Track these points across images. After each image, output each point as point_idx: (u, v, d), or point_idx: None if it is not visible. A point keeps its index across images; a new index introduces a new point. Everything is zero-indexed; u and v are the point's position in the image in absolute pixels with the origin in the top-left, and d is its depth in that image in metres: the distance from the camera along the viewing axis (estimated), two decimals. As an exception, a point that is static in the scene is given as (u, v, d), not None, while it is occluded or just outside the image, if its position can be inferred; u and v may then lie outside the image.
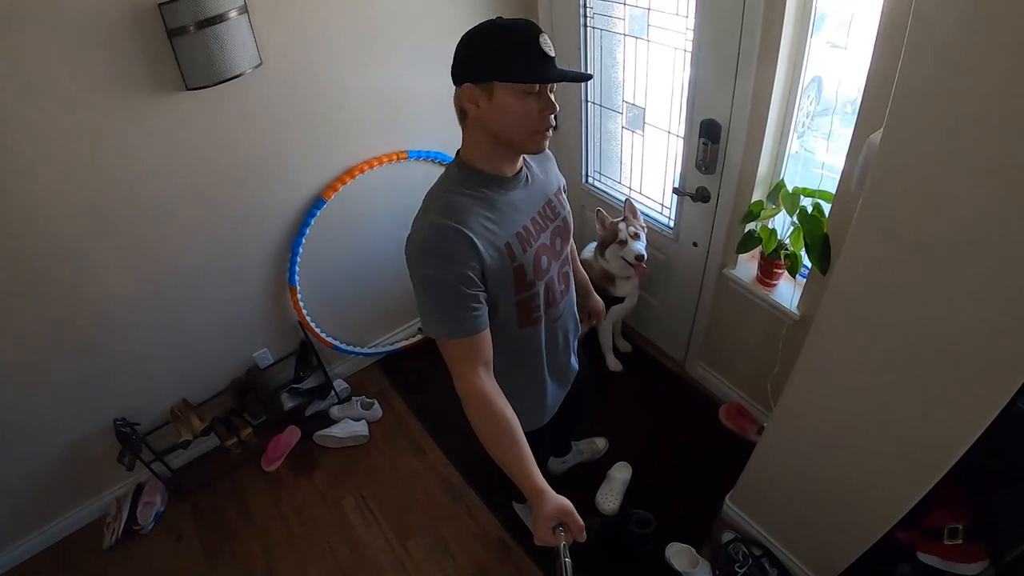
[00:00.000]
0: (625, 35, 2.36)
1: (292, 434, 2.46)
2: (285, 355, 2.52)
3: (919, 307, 1.25)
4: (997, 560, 1.53)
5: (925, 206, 1.14)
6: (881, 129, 1.18)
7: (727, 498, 2.18)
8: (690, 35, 2.13)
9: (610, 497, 2.27)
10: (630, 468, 2.34)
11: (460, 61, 1.16)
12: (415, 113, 2.47)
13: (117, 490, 2.42)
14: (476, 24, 1.15)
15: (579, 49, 2.52)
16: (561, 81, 1.16)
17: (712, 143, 2.20)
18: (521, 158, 1.30)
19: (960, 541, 1.59)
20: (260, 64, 1.93)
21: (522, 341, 1.38)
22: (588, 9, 2.43)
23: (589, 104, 2.68)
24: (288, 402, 2.49)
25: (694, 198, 2.30)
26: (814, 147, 2.33)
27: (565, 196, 1.45)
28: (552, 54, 1.14)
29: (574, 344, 1.64)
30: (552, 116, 1.17)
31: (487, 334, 1.20)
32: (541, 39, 1.12)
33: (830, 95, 2.06)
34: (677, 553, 2.11)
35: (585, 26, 2.47)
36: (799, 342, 2.20)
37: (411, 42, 2.34)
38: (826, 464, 1.73)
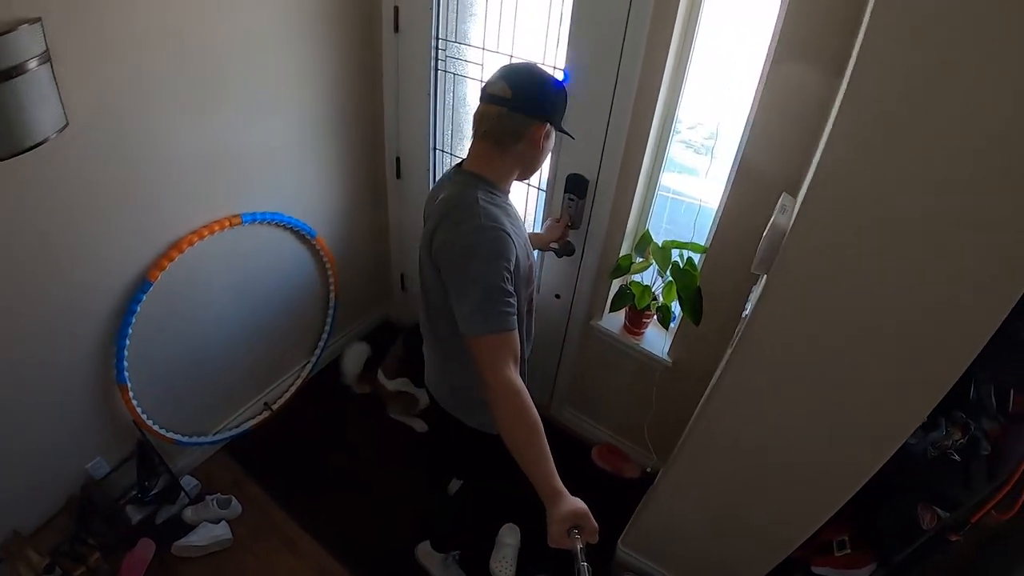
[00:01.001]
0: (482, 81, 2.20)
1: (146, 548, 2.15)
2: (122, 460, 2.18)
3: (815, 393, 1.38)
4: (885, 562, 1.73)
5: (835, 292, 1.22)
6: (782, 211, 1.36)
7: (619, 542, 2.22)
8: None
9: (505, 565, 2.23)
10: (518, 530, 2.31)
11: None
12: (247, 171, 2.17)
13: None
14: (540, 68, 1.38)
15: (428, 93, 2.33)
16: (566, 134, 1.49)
17: (578, 198, 2.13)
18: None
19: (849, 551, 1.81)
20: (66, 125, 1.56)
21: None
22: (440, 52, 2.23)
23: (437, 152, 2.51)
24: (135, 514, 2.16)
25: (558, 253, 2.23)
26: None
27: None
28: None
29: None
30: None
31: (517, 334, 1.27)
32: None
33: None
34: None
35: (436, 68, 2.27)
36: (674, 387, 2.28)
37: (242, 93, 2.03)
38: (729, 501, 1.79)
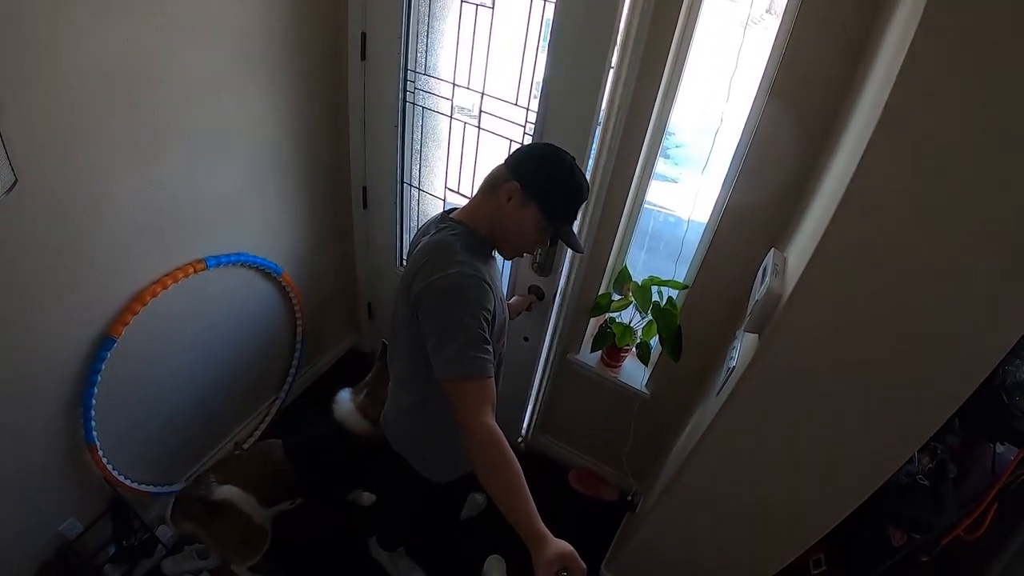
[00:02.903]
0: (452, 117, 2.12)
1: (125, 605, 2.12)
2: (96, 517, 2.11)
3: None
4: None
5: (830, 353, 1.25)
6: (774, 273, 1.37)
7: (603, 567, 2.27)
8: (530, 128, 1.96)
9: (492, 598, 2.27)
10: (503, 562, 2.34)
11: (530, 169, 1.33)
12: (208, 215, 2.07)
13: None
14: (561, 151, 1.36)
15: (396, 125, 2.24)
16: (571, 246, 1.44)
17: (551, 244, 2.08)
18: None
19: (824, 569, 1.90)
20: (15, 183, 1.45)
21: None
22: (409, 83, 2.13)
23: (405, 186, 2.43)
24: (114, 572, 2.11)
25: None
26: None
27: None
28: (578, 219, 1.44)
29: None
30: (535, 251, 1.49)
31: (493, 380, 1.26)
32: (583, 208, 1.42)
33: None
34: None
35: (404, 100, 2.18)
36: (653, 417, 2.31)
37: (197, 137, 1.92)
38: (711, 536, 1.85)
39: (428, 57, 2.10)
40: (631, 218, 2.10)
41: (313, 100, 2.25)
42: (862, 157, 1.01)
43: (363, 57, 2.17)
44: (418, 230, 1.54)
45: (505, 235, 1.39)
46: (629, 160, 1.87)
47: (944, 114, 0.94)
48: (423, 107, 2.18)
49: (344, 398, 2.14)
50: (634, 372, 2.35)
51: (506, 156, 1.40)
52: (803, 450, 1.44)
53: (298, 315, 2.61)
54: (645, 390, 2.30)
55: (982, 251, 1.00)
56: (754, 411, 1.44)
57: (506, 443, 1.20)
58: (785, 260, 1.45)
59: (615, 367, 2.36)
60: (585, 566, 1.09)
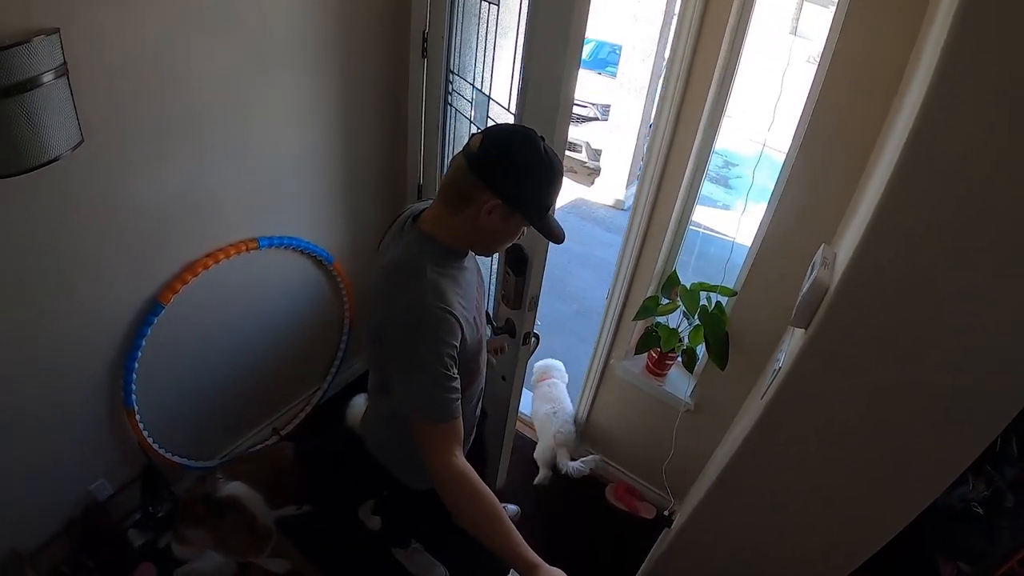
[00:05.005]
0: (471, 120, 2.14)
1: (146, 573, 2.11)
2: (126, 483, 2.13)
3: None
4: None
5: (879, 353, 1.14)
6: (823, 265, 1.23)
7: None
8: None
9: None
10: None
11: (506, 175, 1.14)
12: (269, 196, 2.13)
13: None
14: (532, 137, 1.15)
15: (438, 125, 2.28)
16: (553, 237, 1.23)
17: (515, 275, 1.81)
18: None
19: None
20: (81, 143, 1.49)
21: None
22: (450, 84, 2.19)
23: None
24: (137, 538, 2.11)
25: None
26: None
27: None
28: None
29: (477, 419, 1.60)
30: None
31: (460, 421, 1.20)
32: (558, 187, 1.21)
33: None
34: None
35: (445, 101, 2.24)
36: (695, 429, 2.21)
37: (272, 116, 1.99)
38: (748, 556, 1.71)
39: (461, 57, 2.13)
40: (681, 221, 2.06)
41: (375, 95, 2.30)
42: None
43: (423, 55, 2.21)
44: (387, 233, 1.38)
45: (486, 243, 1.26)
46: (679, 163, 1.84)
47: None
48: (455, 108, 2.21)
49: (358, 403, 2.07)
50: (679, 383, 2.26)
51: (466, 151, 1.15)
52: (848, 459, 1.32)
53: (346, 306, 2.63)
54: (689, 400, 2.21)
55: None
56: (798, 414, 1.33)
57: (475, 481, 1.14)
58: (835, 255, 1.38)
59: (660, 376, 2.28)
60: None
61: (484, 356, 1.44)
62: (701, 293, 2.03)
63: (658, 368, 2.27)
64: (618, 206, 6.08)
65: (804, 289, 1.30)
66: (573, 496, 2.52)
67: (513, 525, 1.11)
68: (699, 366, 2.16)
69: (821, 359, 1.23)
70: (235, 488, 1.86)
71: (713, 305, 2.02)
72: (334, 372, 2.75)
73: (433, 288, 1.16)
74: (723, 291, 2.02)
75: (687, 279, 2.10)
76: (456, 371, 1.18)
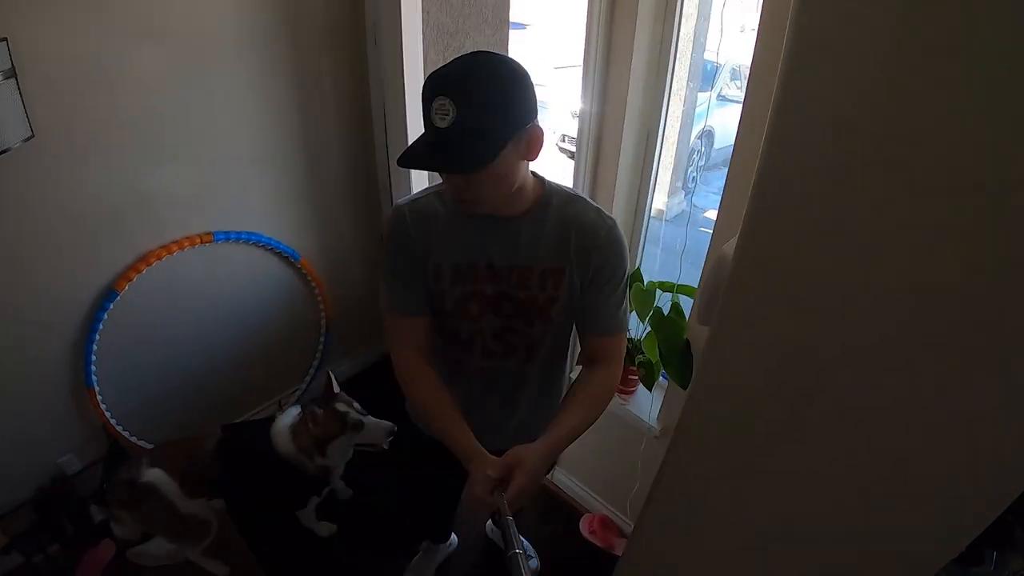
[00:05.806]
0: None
1: (107, 550, 2.18)
2: (95, 460, 2.24)
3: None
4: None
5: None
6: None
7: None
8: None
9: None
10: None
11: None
12: (224, 192, 2.16)
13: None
14: (495, 56, 0.97)
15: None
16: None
17: None
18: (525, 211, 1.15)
19: None
20: (31, 137, 1.62)
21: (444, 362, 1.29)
22: None
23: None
24: (98, 514, 2.20)
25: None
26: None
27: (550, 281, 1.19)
28: (440, 124, 0.93)
29: (507, 422, 1.41)
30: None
31: (419, 322, 1.21)
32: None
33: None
34: None
35: None
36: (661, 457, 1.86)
37: (219, 115, 2.03)
38: None
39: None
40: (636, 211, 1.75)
41: (334, 90, 2.29)
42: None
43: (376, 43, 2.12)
44: None
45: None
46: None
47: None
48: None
49: (290, 412, 2.00)
50: (646, 403, 1.93)
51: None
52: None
53: (321, 305, 2.59)
54: (655, 424, 1.88)
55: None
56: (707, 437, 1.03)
57: (418, 378, 1.19)
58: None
59: (626, 394, 1.97)
60: (522, 483, 1.00)
61: (470, 326, 1.25)
62: (659, 292, 1.71)
63: (622, 384, 1.95)
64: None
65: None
66: (547, 521, 2.27)
67: (459, 416, 1.13)
68: (662, 383, 1.82)
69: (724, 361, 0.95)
70: (154, 475, 1.88)
71: (669, 308, 1.69)
72: (313, 372, 2.73)
73: (415, 197, 1.20)
74: (684, 290, 1.70)
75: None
76: (407, 276, 1.18)
